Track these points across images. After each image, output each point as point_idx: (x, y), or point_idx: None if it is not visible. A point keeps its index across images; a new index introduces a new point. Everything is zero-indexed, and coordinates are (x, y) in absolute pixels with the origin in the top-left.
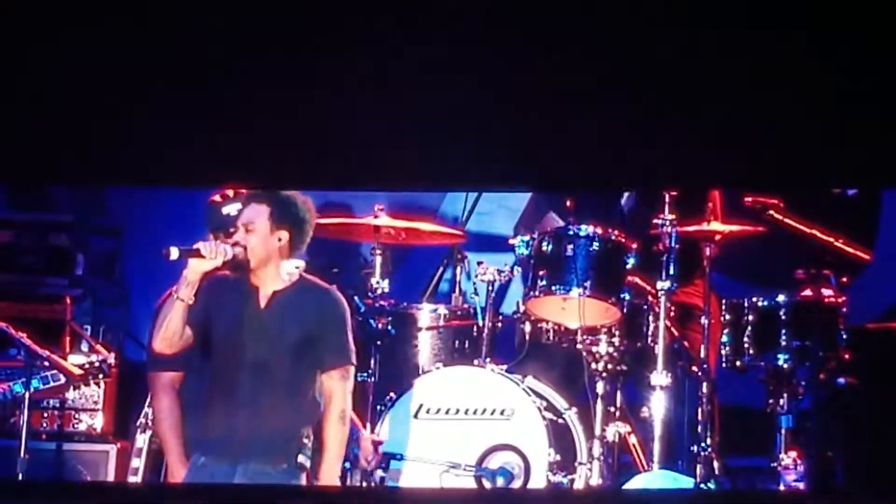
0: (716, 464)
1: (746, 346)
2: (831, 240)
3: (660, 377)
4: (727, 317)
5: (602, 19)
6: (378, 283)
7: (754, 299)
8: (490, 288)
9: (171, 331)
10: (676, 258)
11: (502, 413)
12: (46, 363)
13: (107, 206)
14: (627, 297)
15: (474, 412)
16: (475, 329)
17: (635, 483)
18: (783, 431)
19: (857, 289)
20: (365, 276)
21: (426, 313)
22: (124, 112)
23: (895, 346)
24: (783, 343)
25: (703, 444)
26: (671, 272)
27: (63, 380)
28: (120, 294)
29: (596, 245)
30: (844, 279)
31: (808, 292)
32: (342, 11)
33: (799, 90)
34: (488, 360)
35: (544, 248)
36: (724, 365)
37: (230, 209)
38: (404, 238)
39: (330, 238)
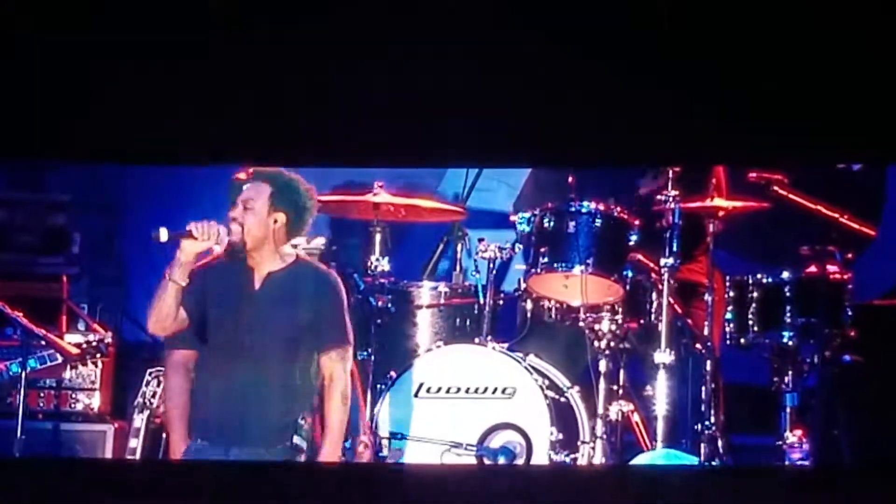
0: (720, 442)
1: (751, 323)
2: (836, 216)
3: (663, 355)
4: (731, 294)
5: None
6: (378, 260)
7: (759, 276)
8: (491, 265)
9: (163, 312)
10: (680, 234)
11: (504, 392)
12: (43, 342)
13: (104, 184)
14: (630, 274)
15: (475, 391)
16: (476, 307)
17: (638, 462)
18: (788, 409)
19: (862, 265)
20: (364, 253)
21: (426, 291)
22: (121, 89)
23: None
24: (788, 320)
25: (706, 423)
26: (674, 249)
27: (60, 359)
28: (117, 273)
29: (598, 221)
30: (849, 255)
31: (812, 269)
32: None
33: (804, 65)
34: (489, 338)
35: (546, 225)
36: (728, 342)
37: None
38: (404, 215)
39: (329, 215)
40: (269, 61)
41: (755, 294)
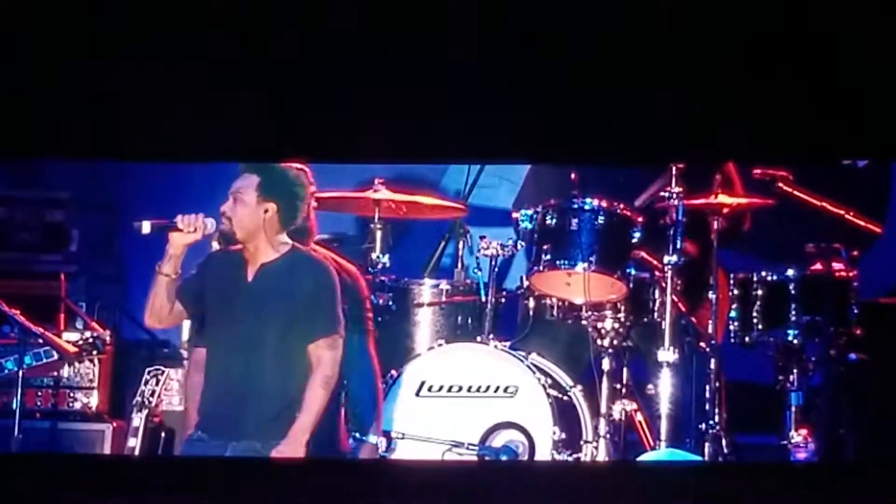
0: (724, 441)
1: (755, 321)
2: (842, 213)
3: (666, 353)
4: (735, 291)
5: None
6: (378, 258)
7: (763, 273)
8: (493, 263)
9: (157, 306)
10: (683, 232)
11: (506, 391)
12: (40, 340)
13: (103, 182)
14: (633, 271)
15: (477, 390)
16: (478, 305)
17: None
18: (793, 408)
19: (867, 262)
20: (366, 250)
21: (428, 289)
22: (122, 87)
23: None
24: (793, 318)
25: (710, 422)
26: (678, 246)
27: (56, 356)
28: (116, 271)
29: (601, 218)
30: (855, 253)
31: (818, 266)
32: None
33: (808, 60)
34: (491, 336)
35: (548, 222)
36: (732, 341)
37: None
38: (405, 212)
39: (329, 212)
40: (269, 56)
41: (759, 292)
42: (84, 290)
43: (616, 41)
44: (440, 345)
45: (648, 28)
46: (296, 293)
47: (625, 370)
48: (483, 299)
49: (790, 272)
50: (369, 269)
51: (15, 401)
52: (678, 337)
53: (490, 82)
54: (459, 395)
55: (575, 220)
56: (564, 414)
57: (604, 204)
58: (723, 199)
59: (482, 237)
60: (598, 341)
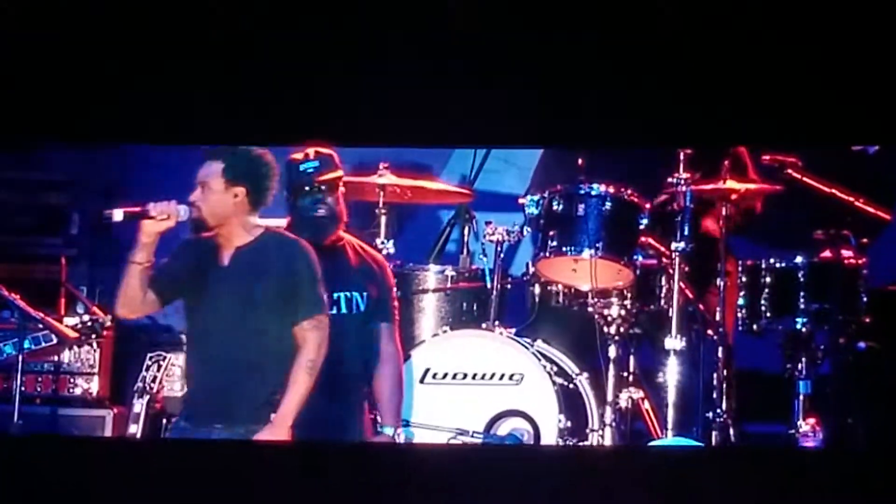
0: (731, 430)
1: (763, 309)
2: (851, 199)
3: (674, 341)
4: (744, 279)
5: None
6: (383, 243)
7: (772, 261)
8: (499, 248)
9: (129, 296)
10: (691, 218)
11: (511, 378)
12: (40, 325)
13: (103, 165)
14: (640, 258)
15: (482, 377)
16: (483, 291)
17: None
18: (801, 397)
19: (877, 250)
20: (370, 236)
21: (433, 275)
22: (120, 69)
23: None
24: (801, 306)
25: (718, 411)
26: (686, 232)
27: (56, 340)
28: (117, 255)
29: (608, 204)
30: (864, 240)
31: (827, 253)
32: None
33: (817, 45)
34: (497, 323)
35: (555, 208)
36: (740, 328)
37: (306, 166)
38: (410, 197)
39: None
40: (271, 40)
41: (768, 279)
42: (85, 273)
43: (623, 24)
44: (445, 331)
45: (656, 10)
46: (273, 274)
47: (631, 358)
48: (488, 285)
49: (799, 259)
50: None
51: (15, 385)
52: (686, 324)
53: (495, 66)
54: (464, 383)
55: (582, 206)
56: (570, 402)
57: (611, 190)
58: (731, 184)
59: (488, 223)
60: (605, 328)
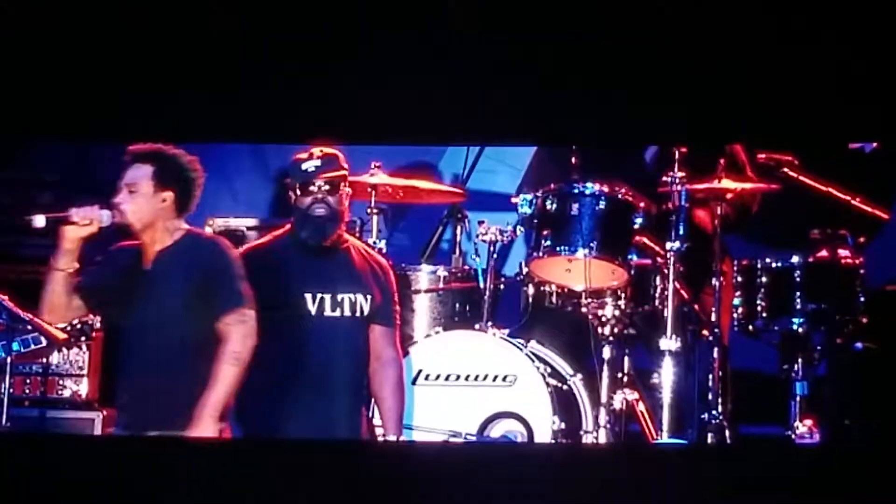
0: (727, 432)
1: (759, 309)
2: (848, 198)
3: (669, 342)
4: (739, 279)
5: None
6: (375, 243)
7: (768, 260)
8: (492, 248)
9: (54, 302)
10: (686, 217)
11: (504, 379)
12: (29, 326)
13: (92, 163)
14: (635, 257)
15: (475, 378)
16: (476, 291)
17: None
18: (798, 398)
19: (874, 249)
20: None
21: (425, 275)
22: (117, 68)
23: None
24: (798, 306)
25: (714, 412)
26: (680, 232)
27: (45, 342)
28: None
29: (602, 203)
30: (862, 239)
31: (823, 253)
32: None
33: (814, 41)
34: (490, 323)
35: (548, 207)
36: (736, 329)
37: (309, 166)
38: (402, 196)
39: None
40: (266, 37)
41: (764, 279)
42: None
43: (620, 20)
44: (437, 332)
45: (653, 7)
46: (193, 272)
47: (626, 359)
48: (481, 286)
49: (795, 259)
50: None
51: (3, 387)
52: (681, 325)
53: (490, 61)
54: (457, 384)
55: (575, 205)
56: (564, 403)
57: (605, 189)
58: (727, 183)
59: (481, 222)
60: (599, 329)
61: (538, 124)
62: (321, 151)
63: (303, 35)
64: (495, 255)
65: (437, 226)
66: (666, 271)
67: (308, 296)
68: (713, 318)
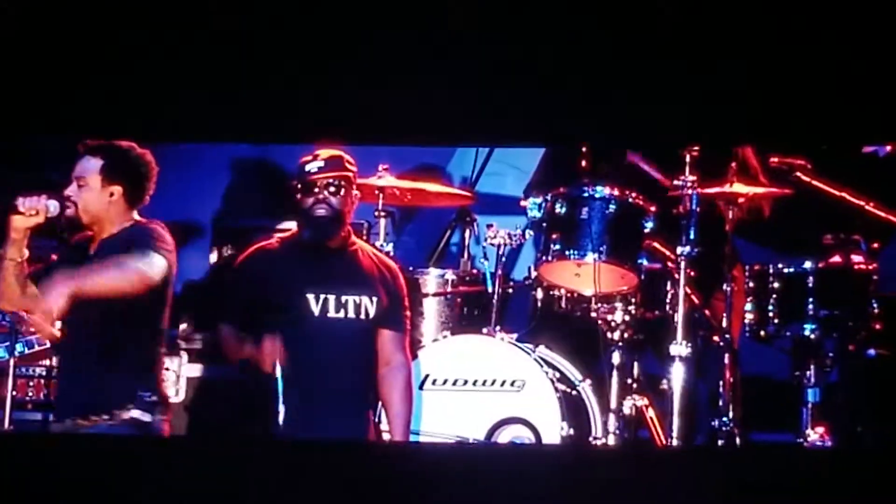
0: (738, 439)
1: (771, 315)
2: (862, 203)
3: (679, 347)
4: (751, 284)
5: None
6: (382, 246)
7: (780, 266)
8: (500, 252)
9: (7, 292)
10: (697, 222)
11: (513, 385)
12: (32, 328)
13: None
14: (645, 262)
15: (483, 383)
16: (484, 295)
17: None
18: (810, 405)
19: (888, 255)
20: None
21: (433, 279)
22: (119, 66)
23: None
24: (810, 312)
25: (724, 419)
26: (691, 236)
27: (48, 343)
28: None
29: (612, 207)
30: (875, 245)
31: (836, 259)
32: None
33: (828, 42)
34: (498, 328)
35: (558, 211)
36: (747, 335)
37: (312, 166)
38: (410, 199)
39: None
40: (271, 35)
41: (776, 284)
42: None
43: (627, 20)
44: (445, 336)
45: (660, 7)
46: (116, 254)
47: (636, 364)
48: (490, 290)
49: (808, 264)
50: None
51: (7, 390)
52: (692, 331)
53: (495, 62)
54: (465, 389)
55: (585, 209)
56: (573, 409)
57: (615, 192)
58: (738, 187)
59: (489, 225)
60: (609, 334)
61: (540, 124)
62: (330, 154)
63: (303, 34)
64: (504, 259)
65: (445, 229)
66: (676, 276)
67: (311, 296)
68: (724, 323)
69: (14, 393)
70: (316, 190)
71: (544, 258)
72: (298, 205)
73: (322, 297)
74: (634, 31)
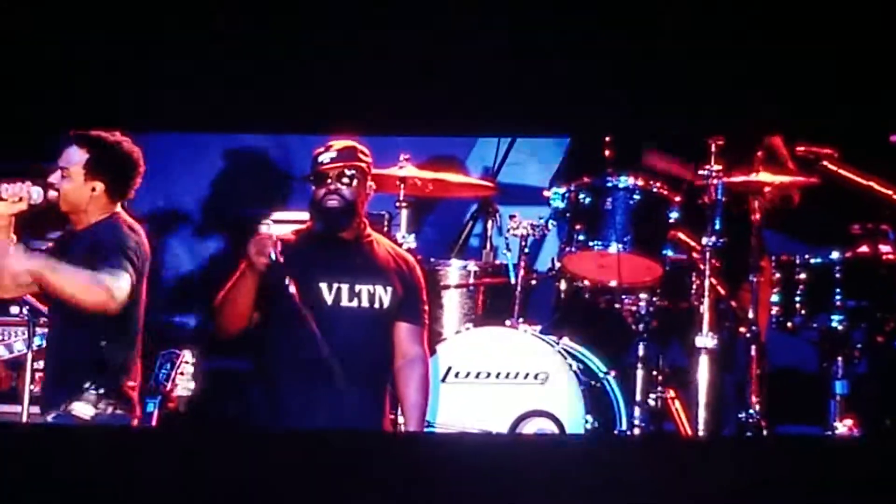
0: (765, 431)
1: (798, 306)
2: (889, 192)
3: (705, 339)
4: (778, 275)
5: None
6: (404, 237)
7: (807, 256)
8: (523, 243)
9: None
10: (723, 212)
11: (536, 377)
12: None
13: None
14: (670, 253)
15: (506, 376)
16: (507, 287)
17: None
18: (837, 398)
19: None
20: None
21: (455, 270)
22: (130, 57)
23: None
24: (838, 303)
25: (751, 411)
26: (717, 227)
27: None
28: None
29: (637, 197)
30: None
31: (864, 249)
32: None
33: (856, 28)
34: (521, 320)
35: (581, 201)
36: (774, 326)
37: (324, 158)
38: (431, 190)
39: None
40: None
41: (803, 275)
42: None
43: (655, 7)
44: (468, 328)
45: None
46: (90, 247)
47: (661, 356)
48: (513, 281)
49: (835, 255)
50: None
51: (25, 383)
52: (718, 322)
53: (520, 51)
54: (488, 382)
55: (609, 199)
56: (597, 402)
57: (639, 182)
58: (764, 176)
59: (512, 216)
60: (634, 326)
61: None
62: (339, 144)
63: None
64: (527, 250)
65: (467, 220)
66: (702, 267)
67: (324, 285)
68: (751, 314)
69: (32, 387)
70: (328, 181)
71: (568, 249)
72: (312, 196)
73: (335, 285)
74: (662, 19)
